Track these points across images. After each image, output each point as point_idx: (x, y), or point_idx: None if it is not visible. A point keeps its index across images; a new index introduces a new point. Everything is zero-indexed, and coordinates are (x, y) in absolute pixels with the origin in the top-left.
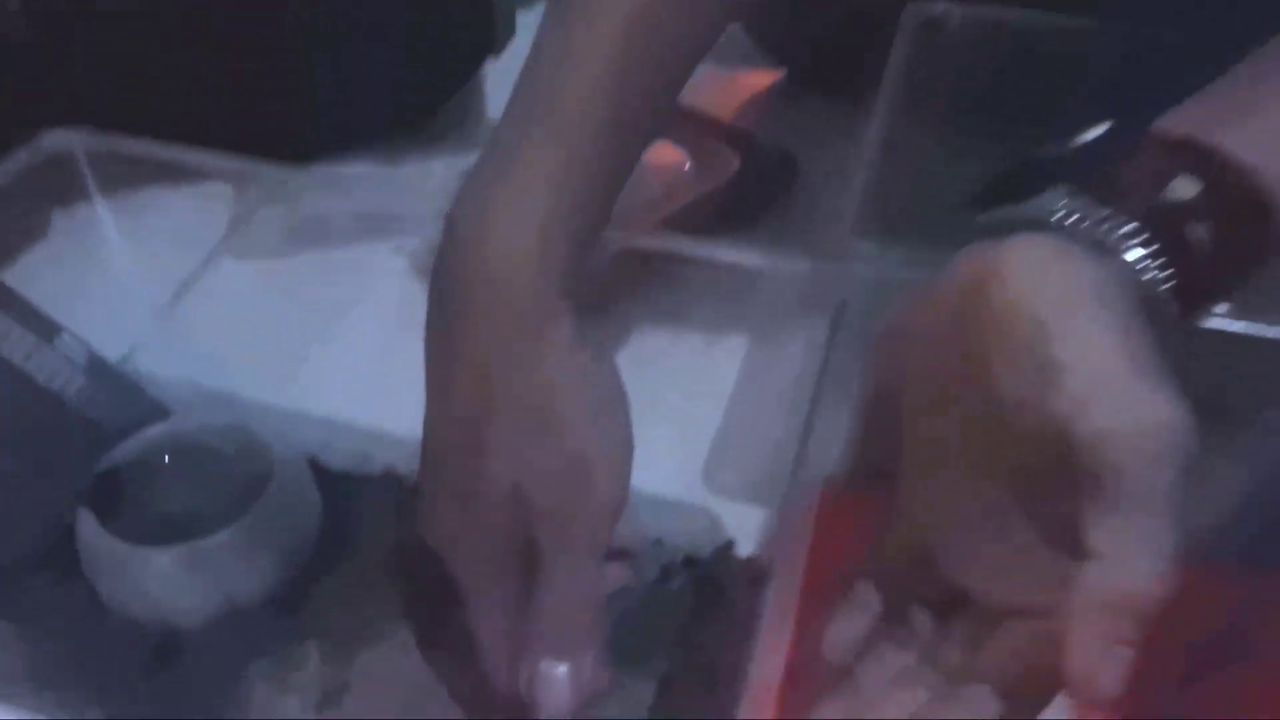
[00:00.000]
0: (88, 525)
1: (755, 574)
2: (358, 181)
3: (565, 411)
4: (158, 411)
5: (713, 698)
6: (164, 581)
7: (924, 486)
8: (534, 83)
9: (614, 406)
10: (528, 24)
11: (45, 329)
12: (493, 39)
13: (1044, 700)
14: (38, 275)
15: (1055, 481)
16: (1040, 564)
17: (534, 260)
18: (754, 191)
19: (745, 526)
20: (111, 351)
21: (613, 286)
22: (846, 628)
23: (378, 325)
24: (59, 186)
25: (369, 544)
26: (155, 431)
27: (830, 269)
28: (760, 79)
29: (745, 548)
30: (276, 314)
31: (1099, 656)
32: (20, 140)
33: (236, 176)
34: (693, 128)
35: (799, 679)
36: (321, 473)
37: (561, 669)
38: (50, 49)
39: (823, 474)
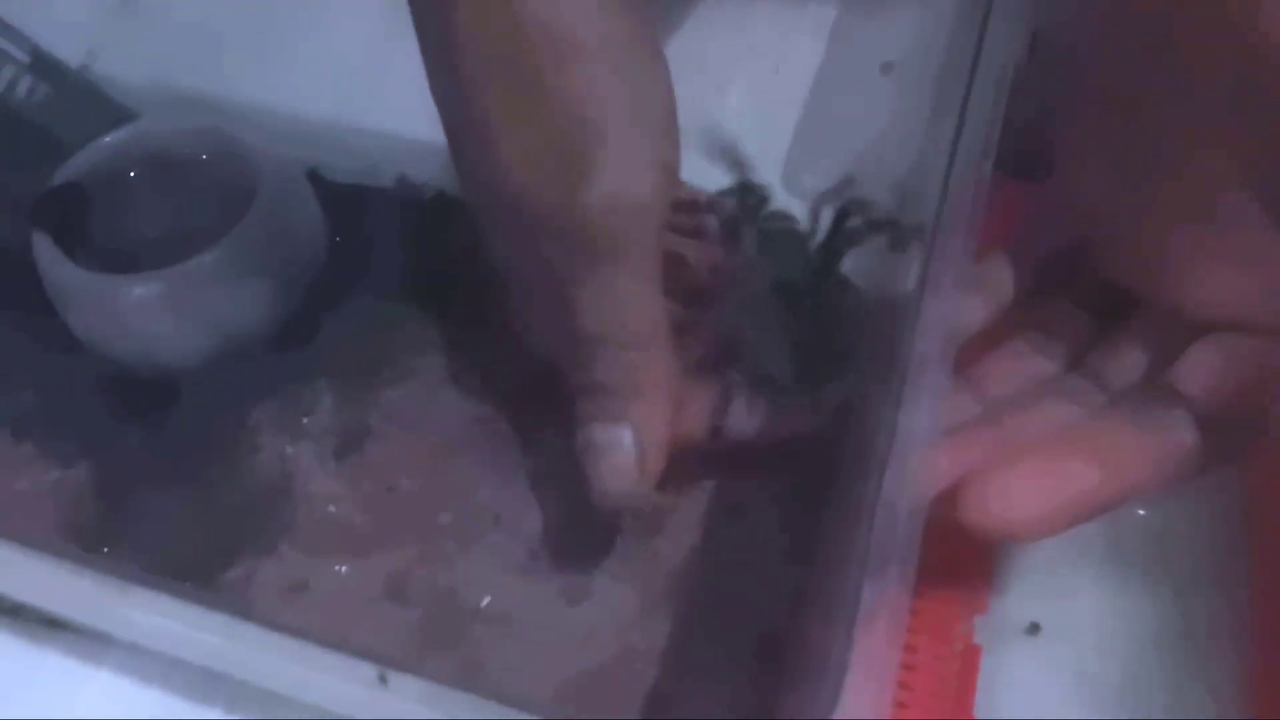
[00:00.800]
0: (46, 252)
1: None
2: None
3: (545, 58)
4: (124, 117)
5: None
6: (143, 315)
7: (1103, 150)
8: None
9: (629, 48)
10: None
11: None
12: None
13: (1240, 443)
14: None
15: None
16: (1275, 266)
17: None
18: None
19: None
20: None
21: None
22: (962, 311)
23: (384, 6)
24: None
25: (384, 265)
26: (117, 137)
27: None
28: None
29: None
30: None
31: None
32: None
33: None
34: None
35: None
36: (323, 186)
37: (616, 434)
38: None
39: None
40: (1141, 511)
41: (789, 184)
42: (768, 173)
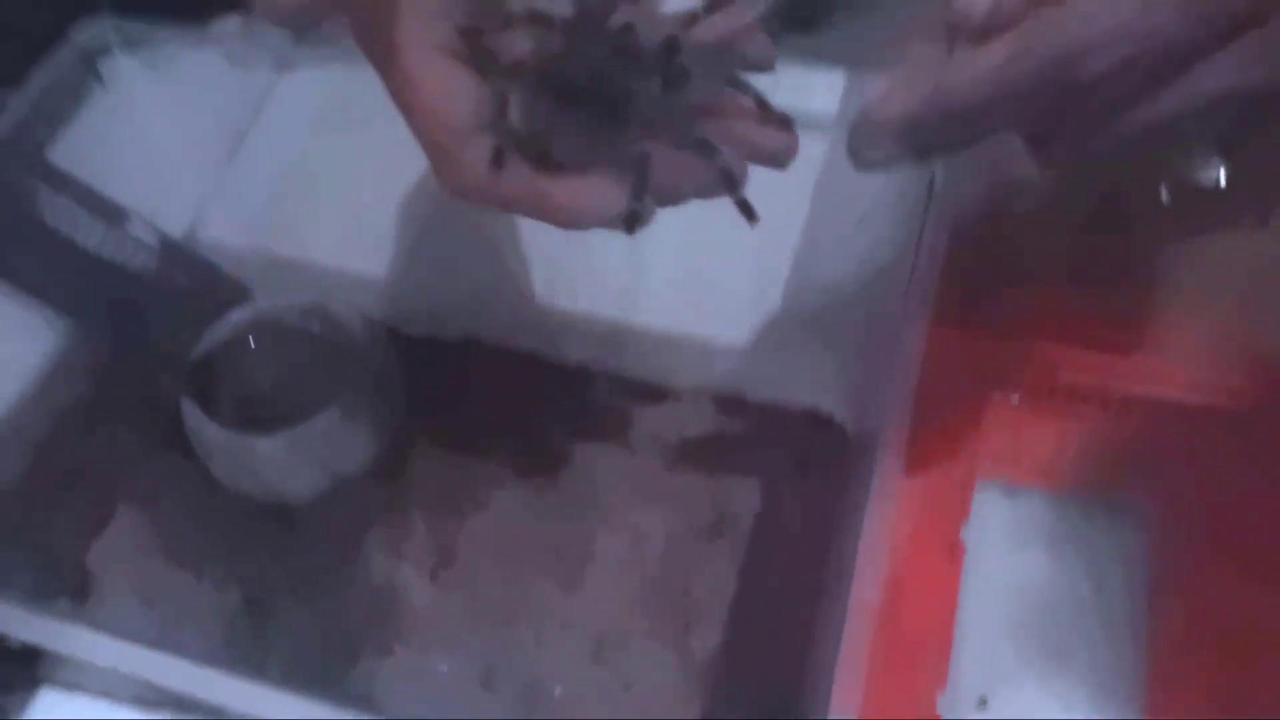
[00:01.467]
0: (193, 415)
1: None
2: None
3: None
4: (235, 287)
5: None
6: (272, 464)
7: None
8: None
9: None
10: None
11: (112, 213)
12: None
13: None
14: (79, 157)
15: None
16: None
17: None
18: None
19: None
20: (172, 229)
21: None
22: None
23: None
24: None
25: (457, 411)
26: (240, 316)
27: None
28: None
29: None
30: (336, 165)
31: None
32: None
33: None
34: None
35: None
36: (400, 340)
37: None
38: None
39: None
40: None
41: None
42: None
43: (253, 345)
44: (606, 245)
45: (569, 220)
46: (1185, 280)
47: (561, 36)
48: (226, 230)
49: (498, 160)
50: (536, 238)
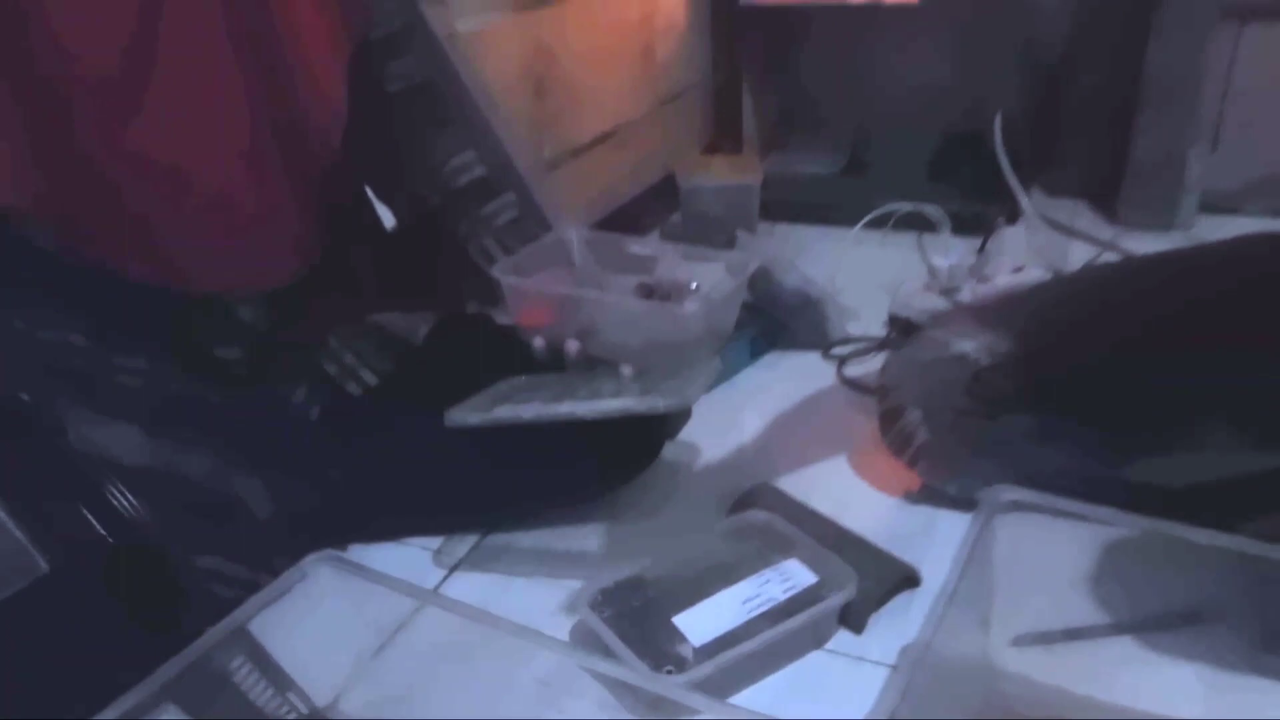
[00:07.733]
0: None
1: None
2: None
3: None
4: None
5: None
6: None
7: None
8: None
9: None
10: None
11: (281, 681)
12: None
13: None
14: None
15: None
16: None
17: None
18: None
19: None
20: (321, 695)
21: None
22: None
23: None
24: None
25: None
26: None
27: None
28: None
29: None
30: (476, 670)
31: None
32: None
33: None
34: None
35: None
36: None
37: None
38: None
39: None
40: None
41: None
42: None
43: None
44: None
45: None
46: None
47: None
48: (363, 709)
49: None
50: None
